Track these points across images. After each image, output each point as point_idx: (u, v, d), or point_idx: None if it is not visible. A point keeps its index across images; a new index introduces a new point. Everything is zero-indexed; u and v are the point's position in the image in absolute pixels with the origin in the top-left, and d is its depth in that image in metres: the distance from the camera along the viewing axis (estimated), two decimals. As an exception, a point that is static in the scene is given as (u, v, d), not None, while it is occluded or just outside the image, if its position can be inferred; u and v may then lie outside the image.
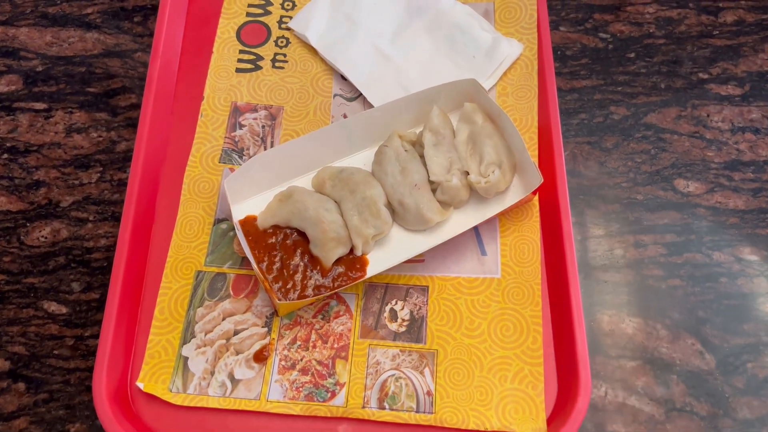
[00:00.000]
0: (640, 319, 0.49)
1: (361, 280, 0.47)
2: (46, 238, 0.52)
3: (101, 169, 0.55)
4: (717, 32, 0.61)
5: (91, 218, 0.53)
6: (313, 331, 0.48)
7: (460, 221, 0.51)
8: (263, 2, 0.61)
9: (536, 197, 0.52)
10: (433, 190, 0.51)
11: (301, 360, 0.47)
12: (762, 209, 0.53)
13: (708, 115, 0.57)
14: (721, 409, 0.46)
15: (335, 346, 0.47)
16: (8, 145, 0.56)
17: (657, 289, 0.50)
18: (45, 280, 0.50)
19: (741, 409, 0.46)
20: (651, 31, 0.61)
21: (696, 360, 0.48)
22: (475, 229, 0.51)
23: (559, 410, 0.44)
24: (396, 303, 0.49)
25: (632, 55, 0.60)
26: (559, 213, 0.50)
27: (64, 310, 0.49)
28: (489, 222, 0.51)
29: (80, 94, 0.58)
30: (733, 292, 0.50)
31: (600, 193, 0.54)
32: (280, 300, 0.46)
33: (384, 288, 0.49)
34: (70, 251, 0.51)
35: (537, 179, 0.49)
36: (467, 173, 0.51)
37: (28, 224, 0.52)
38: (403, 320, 0.48)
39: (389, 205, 0.51)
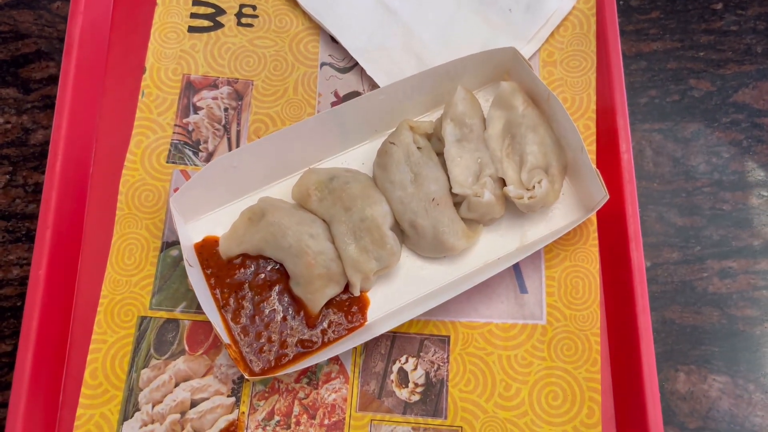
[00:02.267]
0: (728, 377, 0.38)
1: (361, 332, 0.36)
2: (-61, 266, 0.40)
3: (11, 168, 0.42)
4: (833, -26, 0.46)
5: (4, 240, 0.40)
6: (297, 402, 0.37)
7: (493, 244, 0.39)
8: None
9: (594, 214, 0.39)
10: (457, 204, 0.39)
11: (282, 443, 0.36)
12: None
13: (819, 92, 0.44)
14: (831, 501, 0.36)
15: (326, 422, 0.36)
16: None
17: (750, 335, 0.39)
18: (-61, 325, 0.38)
19: None
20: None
21: (799, 433, 0.37)
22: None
23: None
24: (407, 361, 0.38)
25: (719, 5, 0.46)
26: (627, 235, 0.38)
27: (-35, 367, 0.38)
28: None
29: (-20, 62, 0.44)
30: None
31: (675, 201, 0.41)
32: (252, 375, 0.35)
33: (390, 339, 0.38)
34: (-28, 285, 0.39)
35: (599, 192, 0.37)
36: (503, 181, 0.39)
37: None
38: (417, 385, 0.37)
39: (397, 227, 0.39)
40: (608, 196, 0.37)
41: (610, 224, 0.39)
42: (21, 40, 0.45)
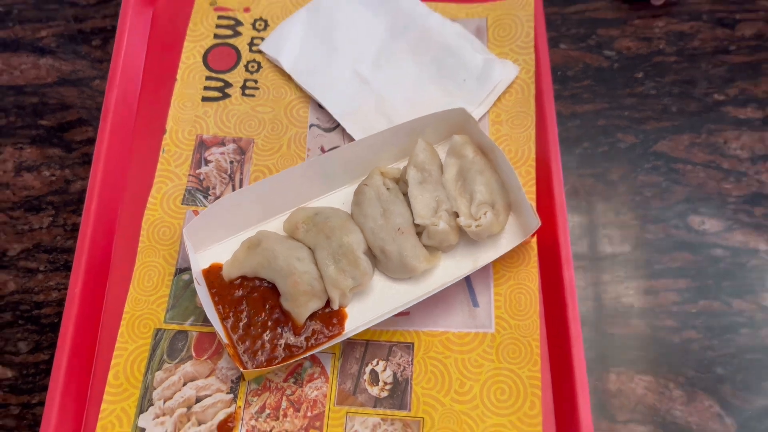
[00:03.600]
0: (651, 377, 0.46)
1: (339, 339, 0.44)
2: (-9, 291, 0.49)
3: (54, 212, 0.51)
4: (734, 48, 0.57)
5: (41, 268, 0.49)
6: (284, 398, 0.44)
7: (450, 267, 0.48)
8: (232, 23, 0.58)
9: (534, 240, 0.48)
10: (419, 234, 0.48)
11: (271, 431, 0.43)
12: (787, 249, 0.49)
13: (725, 142, 0.53)
14: (743, 482, 0.42)
15: (309, 414, 0.44)
16: (-48, 186, 0.52)
17: (669, 342, 0.47)
18: (-11, 339, 0.47)
19: (766, 482, 0.43)
20: (661, 47, 0.57)
21: (715, 424, 0.44)
22: (467, 277, 0.48)
23: (561, 487, 0.41)
24: (377, 363, 0.45)
25: (640, 74, 0.56)
26: (559, 258, 0.46)
27: (9, 374, 0.46)
28: (481, 269, 0.48)
29: (32, 128, 0.55)
30: (756, 345, 0.46)
31: (605, 232, 0.50)
32: (245, 368, 0.43)
33: (364, 346, 0.46)
34: (17, 306, 0.48)
35: (534, 222, 0.46)
36: (456, 215, 0.47)
37: (-29, 276, 0.49)
38: (386, 383, 0.45)
39: (370, 252, 0.47)
40: (540, 223, 0.45)
41: (548, 250, 0.48)
42: (66, 110, 0.56)
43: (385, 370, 0.45)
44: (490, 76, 0.54)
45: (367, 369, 0.45)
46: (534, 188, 0.50)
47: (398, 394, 0.44)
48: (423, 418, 0.44)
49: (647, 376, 0.46)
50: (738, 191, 0.52)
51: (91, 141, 0.53)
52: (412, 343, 0.46)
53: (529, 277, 0.47)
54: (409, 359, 0.45)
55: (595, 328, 0.47)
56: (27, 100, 0.56)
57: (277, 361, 0.44)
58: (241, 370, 0.42)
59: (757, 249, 0.49)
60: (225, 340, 0.43)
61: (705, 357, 0.46)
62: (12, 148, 0.54)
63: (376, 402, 0.44)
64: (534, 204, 0.49)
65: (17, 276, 0.49)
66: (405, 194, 0.49)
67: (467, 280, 0.48)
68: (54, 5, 0.60)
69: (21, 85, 0.57)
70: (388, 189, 0.49)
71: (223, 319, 0.45)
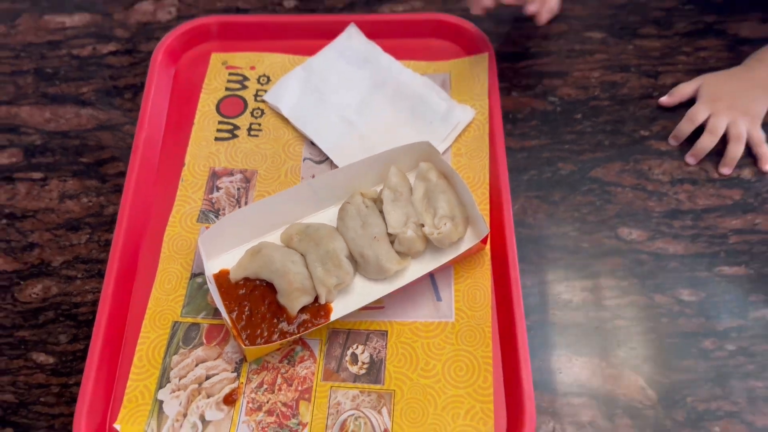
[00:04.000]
0: (587, 358, 0.55)
1: (324, 324, 0.53)
2: (37, 294, 0.58)
3: (90, 231, 0.62)
4: (657, 93, 0.68)
5: (79, 276, 0.59)
6: (279, 375, 0.53)
7: (418, 270, 0.57)
8: (240, 78, 0.70)
9: (488, 247, 0.58)
10: (392, 242, 0.58)
11: (267, 402, 0.52)
12: (699, 254, 0.59)
13: (649, 169, 0.64)
14: (663, 441, 0.51)
15: (299, 388, 0.53)
16: (7, 211, 0.63)
17: (602, 329, 0.56)
18: (35, 333, 0.57)
19: (683, 442, 0.51)
20: (596, 93, 0.69)
21: (639, 395, 0.53)
22: (432, 277, 0.58)
23: (508, 444, 0.49)
24: (357, 347, 0.55)
25: (579, 116, 0.67)
26: (507, 261, 0.56)
27: (51, 360, 0.55)
28: (444, 270, 0.58)
29: (74, 164, 0.66)
30: (674, 332, 0.56)
31: (548, 242, 0.60)
32: (246, 345, 0.52)
33: (346, 334, 0.55)
34: (59, 306, 0.58)
35: (484, 230, 0.56)
36: (422, 225, 0.58)
37: (21, 282, 0.59)
38: (363, 363, 0.54)
39: (351, 257, 0.57)
40: (489, 230, 0.56)
41: (499, 256, 0.57)
42: (102, 150, 0.67)
43: (363, 352, 0.54)
44: (452, 118, 0.65)
45: (348, 352, 0.55)
46: (488, 207, 0.60)
47: (374, 371, 0.54)
48: (394, 390, 0.53)
49: (583, 357, 0.55)
50: (660, 208, 0.62)
51: (122, 174, 0.64)
52: (386, 331, 0.55)
53: (483, 276, 0.57)
54: (384, 344, 0.55)
55: (540, 318, 0.56)
56: (70, 142, 0.68)
57: (272, 343, 0.53)
58: (243, 346, 0.51)
59: (675, 254, 0.59)
60: (230, 324, 0.53)
61: (631, 341, 0.55)
62: (57, 180, 0.65)
63: (356, 378, 0.53)
64: (487, 218, 0.59)
65: (59, 282, 0.59)
66: (381, 211, 0.59)
67: (432, 280, 0.58)
68: (93, 67, 0.73)
69: (66, 131, 0.68)
70: (366, 206, 0.59)
71: (230, 312, 0.55)
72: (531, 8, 0.65)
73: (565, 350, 0.55)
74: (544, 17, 0.66)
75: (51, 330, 0.57)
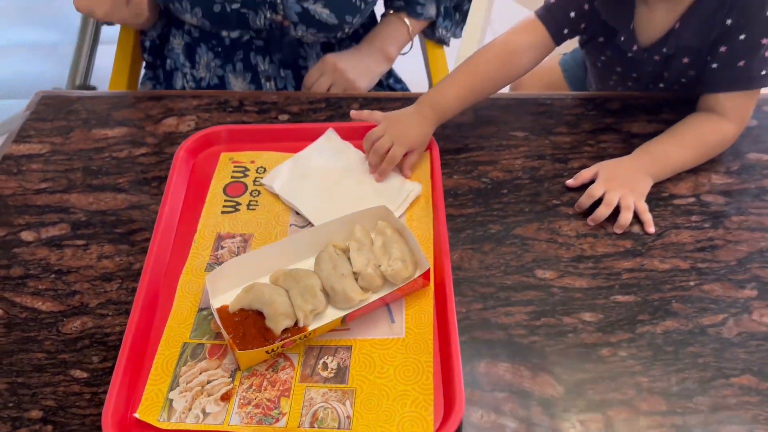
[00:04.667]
0: (509, 364, 0.69)
1: (300, 335, 0.68)
2: (76, 327, 0.74)
3: (120, 281, 0.79)
4: (566, 174, 0.88)
5: (110, 314, 0.75)
6: (265, 379, 0.68)
7: (377, 301, 0.73)
8: (243, 169, 0.90)
9: (432, 284, 0.75)
10: (356, 279, 0.74)
11: (255, 398, 0.66)
12: (599, 287, 0.75)
13: (559, 227, 0.82)
14: (568, 422, 0.64)
15: (281, 388, 0.67)
16: (56, 268, 0.80)
17: (521, 343, 0.71)
18: (73, 355, 0.72)
19: (584, 424, 0.64)
20: (519, 175, 0.88)
21: (550, 389, 0.67)
22: (387, 306, 0.73)
23: (443, 426, 0.63)
24: (327, 358, 0.69)
25: (505, 191, 0.86)
26: (446, 294, 0.72)
27: (85, 375, 0.70)
28: (398, 301, 0.74)
29: (109, 234, 0.84)
30: (578, 344, 0.70)
31: (480, 281, 0.76)
32: (240, 350, 0.67)
33: (319, 349, 0.70)
34: (93, 335, 0.73)
35: (426, 266, 0.73)
36: (380, 266, 0.75)
37: (64, 319, 0.75)
38: (332, 369, 0.69)
39: (324, 291, 0.74)
40: (429, 265, 0.73)
41: (440, 290, 0.74)
42: (132, 223, 0.86)
43: (332, 361, 0.69)
44: (405, 192, 0.84)
45: (320, 361, 0.69)
46: (432, 255, 0.78)
47: (340, 375, 0.68)
48: (355, 388, 0.67)
49: (506, 363, 0.69)
50: (568, 255, 0.79)
51: (147, 240, 0.82)
52: (351, 346, 0.70)
53: (427, 304, 0.73)
54: (348, 355, 0.70)
55: (473, 335, 0.71)
56: (108, 218, 0.86)
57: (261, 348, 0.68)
58: (237, 352, 0.66)
59: (580, 288, 0.76)
60: (229, 342, 0.68)
61: (544, 351, 0.70)
62: (96, 245, 0.83)
63: (326, 380, 0.68)
64: (431, 261, 0.76)
65: (94, 318, 0.75)
66: (348, 257, 0.77)
67: (388, 307, 0.73)
68: (128, 164, 0.94)
69: (104, 210, 0.87)
70: (337, 254, 0.76)
71: (228, 334, 0.70)
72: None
73: (491, 359, 0.70)
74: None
75: (86, 353, 0.72)
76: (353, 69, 1.10)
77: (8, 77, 2.52)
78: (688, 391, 0.66)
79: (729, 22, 0.84)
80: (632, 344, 0.70)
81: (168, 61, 1.21)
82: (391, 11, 1.19)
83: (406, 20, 1.17)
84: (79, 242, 0.84)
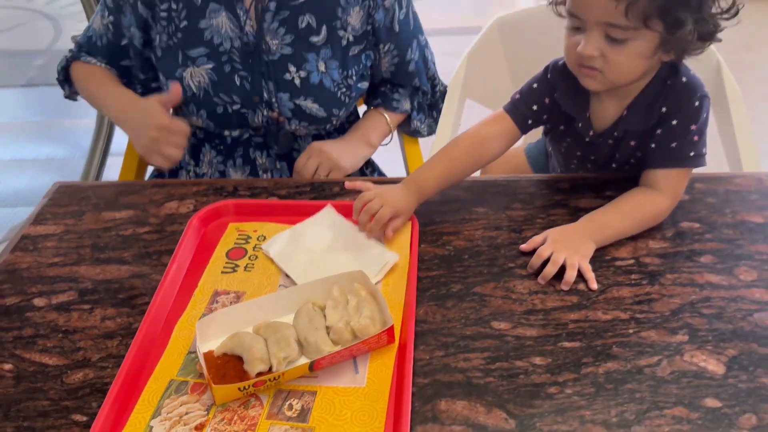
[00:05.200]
0: (465, 402, 0.76)
1: (270, 376, 0.76)
2: (79, 378, 0.82)
3: (120, 338, 0.88)
4: (520, 241, 0.99)
5: (110, 366, 0.84)
6: (236, 415, 0.75)
7: (345, 354, 0.82)
8: (246, 237, 1.02)
9: (396, 342, 0.83)
10: (329, 334, 0.83)
11: (225, 430, 0.74)
12: (548, 335, 0.84)
13: (514, 286, 0.92)
14: (516, 450, 0.71)
15: (249, 423, 0.74)
16: (63, 328, 0.90)
17: (478, 384, 0.79)
18: (75, 402, 0.79)
19: (532, 452, 0.71)
20: (479, 243, 0.99)
21: (502, 423, 0.74)
22: (354, 359, 0.82)
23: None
24: (294, 400, 0.77)
25: (466, 256, 0.97)
26: (405, 348, 0.81)
27: (84, 418, 0.77)
28: (364, 355, 0.82)
29: (113, 299, 0.94)
30: (528, 383, 0.78)
31: (442, 332, 0.85)
32: (215, 385, 0.75)
33: (288, 392, 0.78)
34: (94, 385, 0.81)
35: (390, 323, 0.82)
36: (350, 323, 0.84)
37: (68, 372, 0.83)
38: (296, 410, 0.76)
39: (299, 342, 0.83)
40: (392, 323, 0.82)
41: (402, 345, 0.83)
42: (133, 290, 0.96)
43: (297, 403, 0.76)
44: (383, 258, 0.95)
45: (287, 403, 0.76)
46: (401, 313, 0.87)
47: (303, 415, 0.75)
48: (314, 427, 0.74)
49: (463, 401, 0.77)
50: (521, 309, 0.88)
51: (147, 303, 0.92)
52: (316, 391, 0.78)
53: (390, 358, 0.81)
54: (312, 399, 0.77)
55: (434, 378, 0.79)
56: (112, 286, 0.96)
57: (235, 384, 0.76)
58: (213, 387, 0.75)
59: (531, 336, 0.84)
60: (208, 380, 0.76)
61: (498, 390, 0.78)
62: (100, 309, 0.93)
63: (289, 419, 0.75)
64: (399, 320, 0.86)
65: (95, 370, 0.84)
66: (324, 314, 0.86)
67: (354, 360, 0.82)
68: (132, 240, 1.05)
69: (109, 279, 0.98)
70: (314, 310, 0.86)
71: (210, 374, 0.78)
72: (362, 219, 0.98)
73: (451, 398, 0.77)
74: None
75: (86, 399, 0.80)
76: (337, 150, 1.25)
77: (23, 187, 2.70)
78: (627, 422, 0.73)
79: (664, 110, 0.99)
80: (577, 383, 0.78)
81: None
82: (372, 107, 1.36)
83: (385, 114, 1.33)
84: (85, 306, 0.93)
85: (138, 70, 1.31)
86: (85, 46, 1.28)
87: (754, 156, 1.34)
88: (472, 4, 3.98)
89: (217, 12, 1.17)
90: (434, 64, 1.41)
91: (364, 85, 1.29)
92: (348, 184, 1.04)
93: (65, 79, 1.34)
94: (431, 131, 1.44)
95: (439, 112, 1.40)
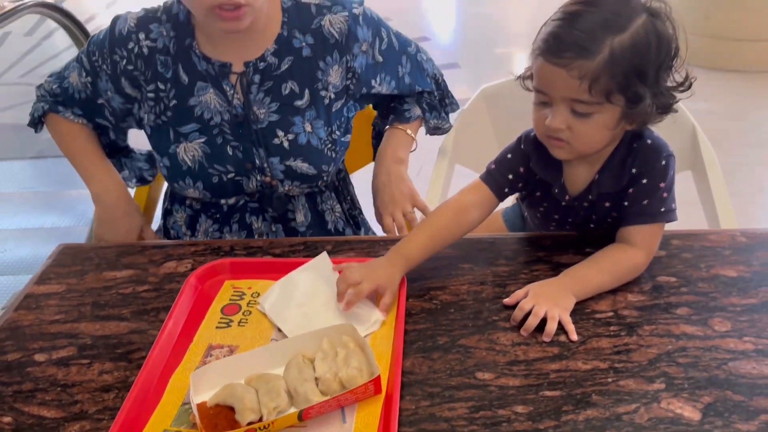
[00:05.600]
0: (449, 449, 0.79)
1: (260, 425, 0.79)
2: (76, 430, 0.85)
3: (117, 391, 0.91)
4: (504, 295, 1.03)
5: (106, 418, 0.86)
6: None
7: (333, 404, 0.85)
8: (240, 293, 1.07)
9: (383, 393, 0.86)
10: (318, 385, 0.86)
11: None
12: (530, 384, 0.87)
13: (498, 338, 0.95)
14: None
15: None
16: (62, 382, 0.93)
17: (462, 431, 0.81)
18: (69, 452, 0.82)
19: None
20: (464, 297, 1.03)
21: (484, 469, 0.76)
22: (342, 409, 0.85)
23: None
24: (283, 446, 0.80)
25: (452, 310, 1.01)
26: (391, 400, 0.84)
27: (78, 468, 0.80)
28: (351, 405, 0.85)
29: (111, 354, 0.97)
30: (510, 431, 0.81)
31: (428, 382, 0.88)
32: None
33: (278, 441, 0.81)
34: (91, 436, 0.84)
35: (377, 373, 0.85)
36: (338, 374, 0.87)
37: (66, 424, 0.86)
38: (285, 455, 0.78)
39: (288, 392, 0.85)
40: (378, 373, 0.85)
41: (389, 396, 0.86)
42: (131, 345, 0.99)
43: (287, 449, 0.79)
44: (373, 318, 0.99)
45: (279, 450, 0.79)
46: (388, 365, 0.90)
47: (293, 460, 0.78)
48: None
49: (447, 448, 0.79)
50: (504, 360, 0.91)
51: (144, 357, 0.95)
52: (306, 438, 0.81)
53: (377, 408, 0.84)
54: (302, 444, 0.80)
55: (419, 428, 0.82)
56: (110, 341, 1.00)
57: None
58: (204, 433, 0.77)
59: (514, 386, 0.87)
60: (200, 427, 0.79)
61: (481, 438, 0.80)
62: (98, 363, 0.96)
63: (281, 466, 0.77)
64: (386, 372, 0.89)
65: (92, 422, 0.86)
66: (314, 365, 0.89)
67: (342, 410, 0.85)
68: (132, 298, 1.09)
69: (108, 335, 1.01)
70: (304, 362, 0.89)
71: (202, 424, 0.81)
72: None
73: (435, 445, 0.80)
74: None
75: (83, 450, 0.82)
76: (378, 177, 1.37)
77: (27, 255, 2.75)
78: (605, 467, 0.76)
79: (634, 170, 1.05)
80: (558, 430, 0.81)
81: (171, 232, 1.41)
82: (388, 126, 1.43)
83: (401, 127, 1.41)
84: (84, 361, 0.97)
85: (111, 130, 1.36)
86: (62, 97, 1.29)
87: (730, 215, 1.40)
88: (463, 76, 4.15)
89: (204, 89, 1.22)
90: (431, 62, 1.41)
91: (347, 138, 1.35)
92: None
93: (38, 121, 1.36)
94: (449, 127, 1.50)
95: (451, 99, 1.44)
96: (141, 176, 1.47)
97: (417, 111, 1.42)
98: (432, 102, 1.44)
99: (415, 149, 1.45)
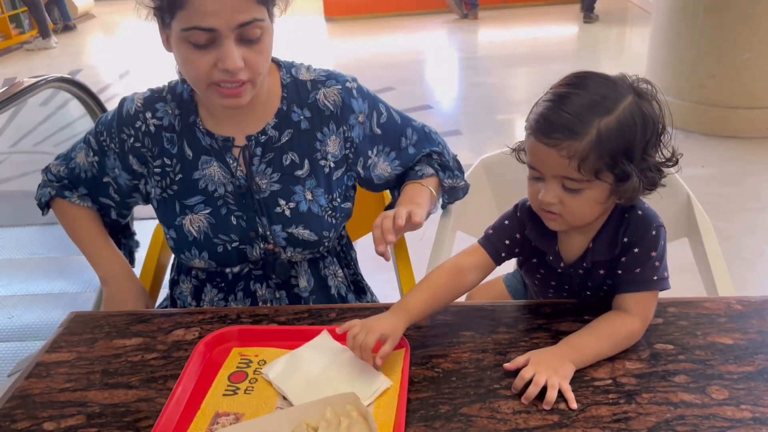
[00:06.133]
0: None
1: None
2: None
3: (124, 459, 0.92)
4: (505, 361, 1.05)
5: (112, 487, 0.88)
6: None
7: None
8: (247, 361, 1.09)
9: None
10: (322, 448, 0.88)
11: None
12: (530, 453, 0.88)
13: (499, 406, 0.97)
14: None
15: None
16: (70, 451, 0.94)
17: (463, 501, 0.82)
18: None
19: None
20: (466, 365, 1.06)
21: None
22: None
23: None
24: None
25: (454, 378, 1.03)
26: None
27: None
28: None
29: (119, 422, 0.99)
30: (512, 500, 0.82)
31: (429, 424, 0.90)
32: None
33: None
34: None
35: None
36: (342, 438, 0.89)
37: (72, 493, 0.87)
38: None
39: (293, 454, 0.87)
40: (383, 435, 0.87)
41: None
42: (139, 413, 1.01)
43: None
44: (376, 385, 1.01)
45: None
46: (394, 415, 0.92)
47: None
48: None
49: None
50: (505, 428, 0.93)
51: (151, 425, 0.97)
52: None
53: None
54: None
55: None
56: (118, 409, 1.02)
57: None
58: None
59: (528, 429, 0.89)
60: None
61: (483, 507, 0.81)
62: (106, 431, 0.98)
63: None
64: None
65: (98, 491, 0.88)
66: (318, 433, 0.91)
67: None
68: (140, 366, 1.11)
69: (117, 403, 1.03)
70: (308, 431, 0.91)
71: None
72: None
73: None
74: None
75: None
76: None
77: (34, 321, 2.78)
78: None
79: (626, 239, 1.09)
80: (559, 499, 0.82)
81: (178, 302, 1.45)
82: (404, 185, 1.42)
83: (415, 182, 1.38)
84: (92, 430, 0.98)
85: (113, 210, 1.40)
86: (68, 179, 1.37)
87: (727, 282, 1.43)
88: (465, 143, 4.26)
89: (208, 163, 1.28)
90: (438, 135, 1.44)
91: (347, 205, 1.39)
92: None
93: (45, 206, 1.44)
94: (466, 186, 1.46)
95: (457, 162, 1.44)
96: (131, 254, 1.57)
97: (429, 170, 1.42)
98: (443, 162, 1.45)
99: (433, 210, 1.39)
